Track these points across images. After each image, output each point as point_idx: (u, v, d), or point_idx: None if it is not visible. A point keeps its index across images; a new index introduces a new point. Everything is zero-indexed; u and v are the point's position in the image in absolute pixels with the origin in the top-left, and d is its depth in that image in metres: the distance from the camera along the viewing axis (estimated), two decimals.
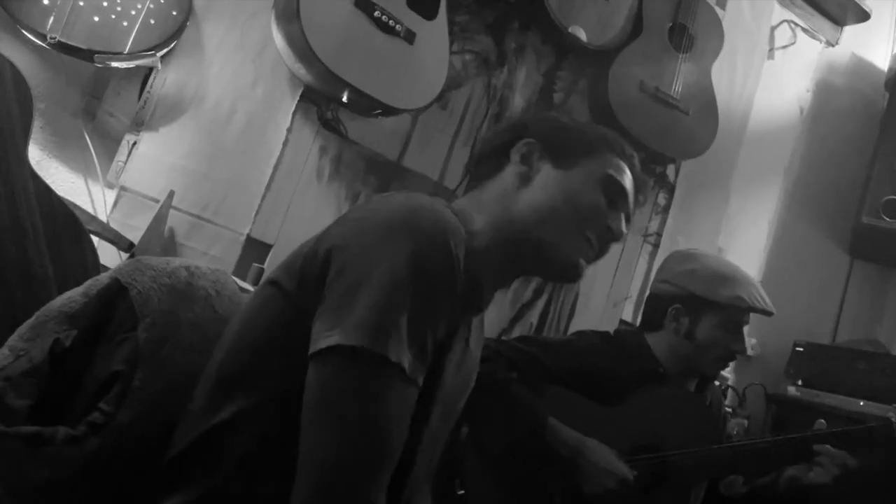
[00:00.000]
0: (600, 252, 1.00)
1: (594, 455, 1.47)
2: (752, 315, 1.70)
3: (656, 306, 1.72)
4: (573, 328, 2.53)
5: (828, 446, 1.48)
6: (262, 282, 0.88)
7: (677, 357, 1.67)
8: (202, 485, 0.79)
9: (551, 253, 0.95)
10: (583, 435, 1.49)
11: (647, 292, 1.83)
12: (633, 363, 1.66)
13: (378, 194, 0.95)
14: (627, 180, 1.01)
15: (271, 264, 2.01)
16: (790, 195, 3.02)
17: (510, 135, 1.04)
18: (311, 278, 0.80)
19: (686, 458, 1.54)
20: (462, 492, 1.54)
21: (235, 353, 0.84)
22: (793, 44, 3.01)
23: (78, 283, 0.96)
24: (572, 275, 0.98)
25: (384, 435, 0.73)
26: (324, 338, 0.74)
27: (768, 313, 1.66)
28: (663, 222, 2.73)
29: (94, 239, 1.64)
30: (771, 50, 2.97)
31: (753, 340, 2.86)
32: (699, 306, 1.65)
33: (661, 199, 2.73)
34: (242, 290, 1.07)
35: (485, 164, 1.03)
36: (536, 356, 1.59)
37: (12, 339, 0.88)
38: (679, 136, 2.53)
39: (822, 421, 1.59)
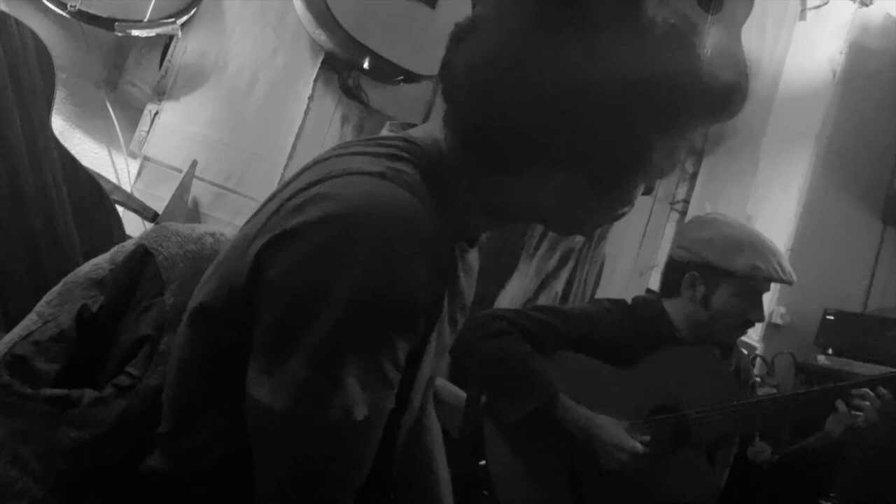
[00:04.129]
0: None
1: (603, 432, 1.48)
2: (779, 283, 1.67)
3: (673, 272, 1.70)
4: (599, 297, 2.51)
5: (866, 390, 1.45)
6: (188, 313, 0.80)
7: (693, 324, 1.65)
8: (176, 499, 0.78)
9: None
10: (591, 411, 1.50)
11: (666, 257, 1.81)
12: (649, 328, 1.65)
13: (321, 168, 0.75)
14: None
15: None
16: (821, 160, 2.95)
17: None
18: (238, 289, 0.71)
19: (705, 415, 1.53)
20: (483, 462, 1.54)
21: (184, 393, 0.79)
22: (825, 3, 2.92)
23: (104, 252, 0.96)
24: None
25: (332, 475, 0.70)
26: (256, 383, 0.68)
27: (787, 282, 1.63)
28: (691, 189, 2.69)
29: (119, 209, 1.64)
30: (803, 10, 2.88)
31: (783, 309, 2.82)
32: (715, 275, 1.62)
33: (689, 166, 2.68)
34: None
35: None
36: (551, 323, 1.58)
37: (40, 305, 0.88)
38: None
39: None
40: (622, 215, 0.82)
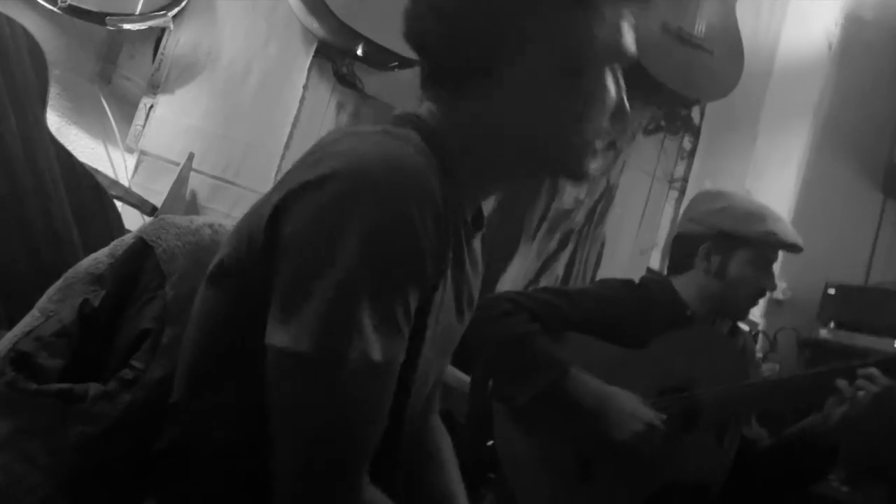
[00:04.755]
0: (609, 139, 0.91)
1: (618, 402, 1.48)
2: (782, 258, 1.68)
3: (684, 247, 1.70)
4: (599, 277, 2.51)
5: (873, 369, 1.43)
6: (208, 273, 0.81)
7: (707, 297, 1.65)
8: (185, 481, 0.79)
9: (555, 164, 0.88)
10: (605, 383, 1.49)
11: (674, 234, 1.79)
12: (659, 308, 1.64)
13: (332, 136, 0.79)
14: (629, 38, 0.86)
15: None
16: (820, 134, 2.94)
17: None
18: (257, 248, 0.73)
19: (714, 395, 1.54)
20: (491, 442, 1.55)
21: (201, 352, 0.80)
22: None
23: (103, 247, 0.96)
24: (583, 178, 0.88)
25: (354, 424, 0.70)
26: (276, 332, 0.69)
27: (799, 248, 1.64)
28: (689, 167, 2.69)
29: (118, 204, 1.64)
30: None
31: (784, 284, 2.82)
32: (730, 243, 1.63)
33: (687, 144, 2.68)
34: None
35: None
36: (557, 304, 1.58)
37: (41, 301, 0.89)
38: (703, 77, 2.47)
39: None
40: (612, 136, 0.86)
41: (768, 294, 1.71)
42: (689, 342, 1.61)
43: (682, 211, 2.65)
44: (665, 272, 1.79)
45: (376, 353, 0.68)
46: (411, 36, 0.83)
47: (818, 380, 1.50)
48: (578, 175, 0.86)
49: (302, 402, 0.69)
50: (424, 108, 0.84)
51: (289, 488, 0.70)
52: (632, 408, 1.47)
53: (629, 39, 0.83)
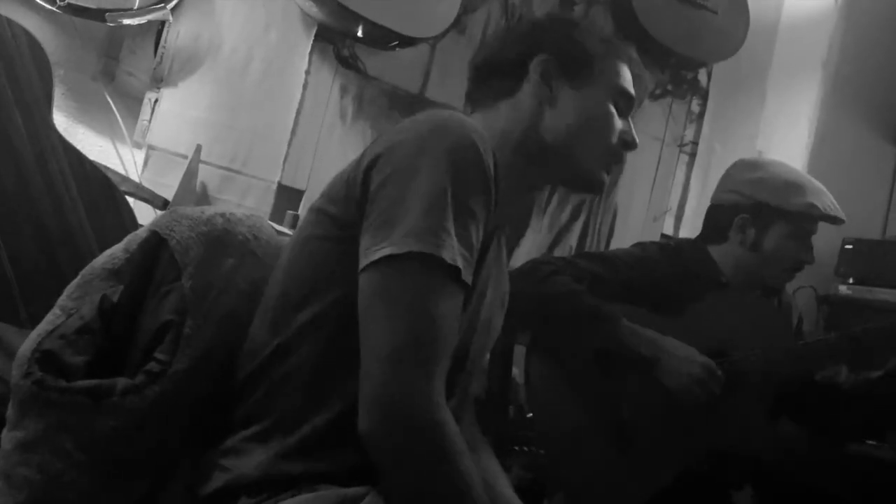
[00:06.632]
0: (619, 161, 1.07)
1: (673, 347, 1.46)
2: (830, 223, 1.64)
3: (719, 217, 1.65)
4: (613, 247, 2.50)
5: None
6: (306, 213, 0.90)
7: (742, 269, 1.61)
8: (271, 409, 0.81)
9: (580, 169, 1.00)
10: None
11: (709, 203, 1.73)
12: (694, 273, 1.61)
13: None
14: (632, 86, 1.04)
15: (305, 210, 2.02)
16: (830, 89, 2.89)
17: (524, 47, 1.02)
18: (353, 197, 0.81)
19: (756, 358, 1.50)
20: (531, 414, 1.54)
21: (289, 281, 0.85)
22: None
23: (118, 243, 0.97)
24: (598, 188, 1.04)
25: (439, 327, 0.76)
26: (374, 251, 0.76)
27: (840, 221, 1.61)
28: (698, 130, 2.66)
29: (130, 200, 1.65)
30: None
31: None
32: (768, 216, 1.59)
33: (695, 107, 2.65)
34: (279, 233, 1.07)
35: (498, 79, 1.02)
36: (598, 273, 1.55)
37: (62, 299, 0.90)
38: (709, 38, 2.43)
39: None
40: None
41: (814, 262, 1.66)
42: (725, 305, 1.57)
43: (692, 179, 2.64)
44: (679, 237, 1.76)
45: (461, 265, 0.77)
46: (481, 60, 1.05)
47: (866, 339, 1.47)
48: (592, 177, 1.01)
49: (395, 296, 0.75)
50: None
51: (375, 373, 0.74)
52: (687, 352, 1.45)
53: (627, 81, 1.02)
